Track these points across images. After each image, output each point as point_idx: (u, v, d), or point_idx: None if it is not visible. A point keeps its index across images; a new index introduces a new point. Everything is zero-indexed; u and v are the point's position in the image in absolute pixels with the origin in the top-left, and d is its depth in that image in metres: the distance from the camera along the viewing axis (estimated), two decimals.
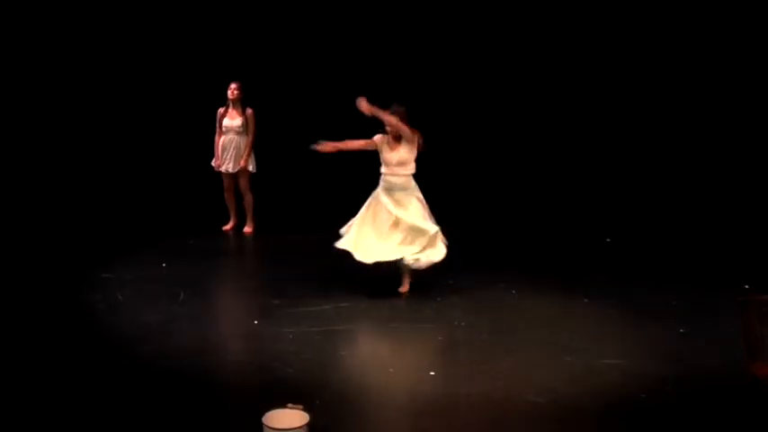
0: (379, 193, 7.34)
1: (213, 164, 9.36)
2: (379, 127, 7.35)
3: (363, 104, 7.06)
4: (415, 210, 7.28)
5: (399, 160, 7.24)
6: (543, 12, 10.39)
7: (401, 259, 7.23)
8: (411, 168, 7.31)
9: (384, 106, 7.21)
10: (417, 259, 7.19)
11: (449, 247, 7.26)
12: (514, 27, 10.46)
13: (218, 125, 9.25)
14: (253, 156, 9.26)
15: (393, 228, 7.23)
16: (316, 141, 7.30)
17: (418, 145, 7.25)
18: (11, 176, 10.20)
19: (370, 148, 7.36)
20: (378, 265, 7.28)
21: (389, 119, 7.13)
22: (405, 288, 7.48)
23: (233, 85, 9.12)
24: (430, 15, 10.49)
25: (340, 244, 7.32)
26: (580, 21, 10.30)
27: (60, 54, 10.64)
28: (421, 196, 7.35)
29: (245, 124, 9.16)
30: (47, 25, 10.54)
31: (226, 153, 9.24)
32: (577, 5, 10.29)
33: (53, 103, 10.68)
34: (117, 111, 10.88)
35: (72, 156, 10.63)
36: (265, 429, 4.57)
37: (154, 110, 10.78)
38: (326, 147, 7.33)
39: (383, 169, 7.33)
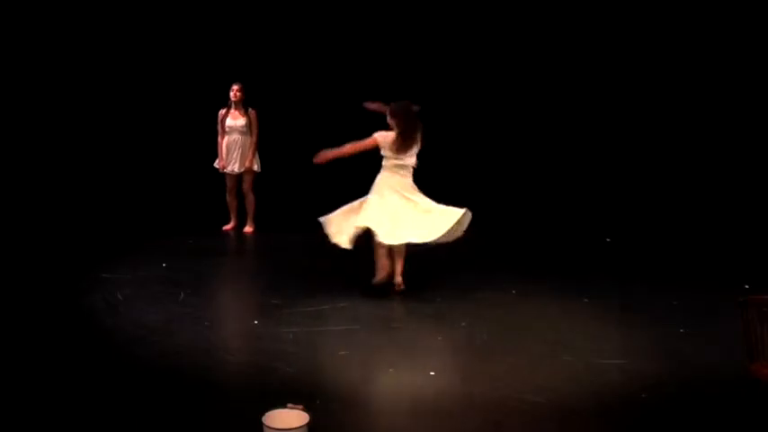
0: (383, 190, 7.31)
1: (217, 165, 9.37)
2: (379, 126, 7.39)
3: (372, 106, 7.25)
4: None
5: (412, 155, 7.28)
6: (544, 12, 10.39)
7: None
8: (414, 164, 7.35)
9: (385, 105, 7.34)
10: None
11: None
12: (515, 27, 10.46)
13: (219, 126, 9.26)
14: (257, 156, 9.27)
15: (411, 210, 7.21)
16: (315, 154, 7.33)
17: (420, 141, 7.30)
18: (11, 176, 10.21)
19: (369, 148, 7.31)
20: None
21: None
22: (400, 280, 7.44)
23: (235, 87, 9.12)
24: (431, 16, 10.49)
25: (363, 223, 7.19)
26: (580, 21, 10.31)
27: (61, 54, 10.65)
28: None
29: (249, 124, 9.16)
30: (47, 25, 10.55)
31: (231, 154, 9.25)
32: (577, 5, 10.29)
33: (54, 103, 10.69)
34: (118, 111, 10.88)
35: (73, 156, 10.64)
36: (265, 429, 4.57)
37: (154, 110, 10.78)
38: (326, 156, 7.29)
39: (392, 163, 7.27)
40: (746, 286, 7.24)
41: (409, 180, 7.34)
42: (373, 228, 7.12)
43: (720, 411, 5.22)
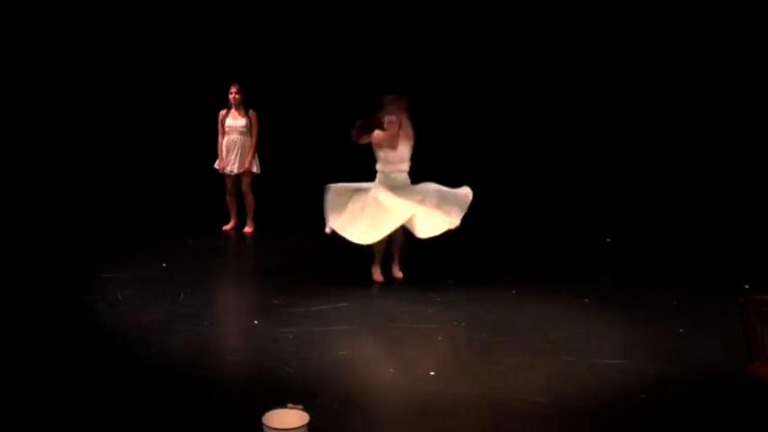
0: (377, 191, 7.45)
1: (217, 165, 9.36)
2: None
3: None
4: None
5: (402, 156, 7.47)
6: (543, 12, 10.38)
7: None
8: (408, 165, 7.56)
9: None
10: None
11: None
12: (514, 27, 10.45)
13: (220, 127, 9.26)
14: (257, 157, 9.27)
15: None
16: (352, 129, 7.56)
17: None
18: (11, 176, 10.20)
19: (395, 133, 7.50)
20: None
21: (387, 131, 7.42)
22: (399, 273, 7.68)
23: (233, 89, 9.12)
24: (430, 16, 10.48)
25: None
26: (580, 21, 10.29)
27: (60, 54, 10.64)
28: None
29: (249, 125, 9.16)
30: (47, 25, 10.54)
31: (230, 154, 9.24)
32: (577, 5, 10.28)
33: (53, 103, 10.68)
34: (118, 111, 10.87)
35: (72, 156, 10.63)
36: (265, 429, 4.57)
37: (154, 110, 10.77)
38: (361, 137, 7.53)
39: (385, 168, 7.47)
40: (746, 286, 7.23)
41: (406, 179, 7.56)
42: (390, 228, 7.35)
43: (720, 411, 5.22)
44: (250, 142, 9.19)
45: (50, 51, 10.61)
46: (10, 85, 10.44)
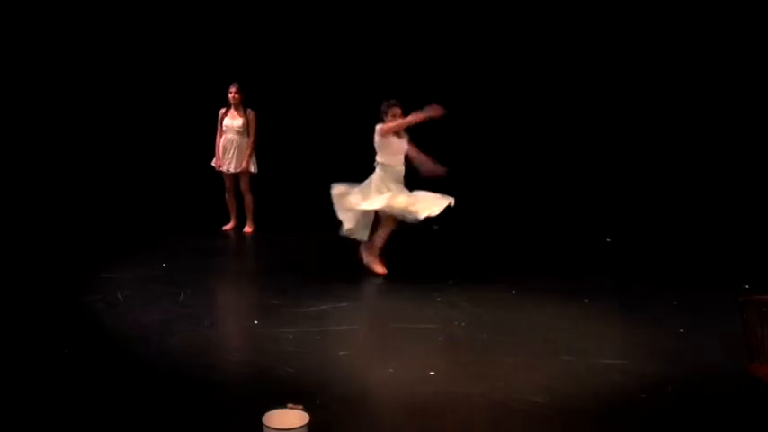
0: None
1: (213, 164, 9.37)
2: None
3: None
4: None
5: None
6: (543, 11, 10.39)
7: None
8: None
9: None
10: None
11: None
12: (514, 26, 10.45)
13: (218, 125, 9.27)
14: (254, 157, 9.27)
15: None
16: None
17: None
18: (11, 176, 10.21)
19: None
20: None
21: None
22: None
23: (232, 89, 9.12)
24: (429, 15, 10.48)
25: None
26: (580, 20, 10.30)
27: (60, 54, 10.65)
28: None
29: (246, 125, 9.16)
30: (47, 25, 10.55)
31: (226, 153, 9.25)
32: (577, 5, 10.29)
33: (53, 103, 10.69)
34: (117, 111, 10.88)
35: (72, 156, 10.64)
36: (265, 429, 4.57)
37: (154, 110, 10.78)
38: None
39: (392, 160, 7.59)
40: (746, 286, 7.24)
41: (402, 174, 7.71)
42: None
43: (720, 411, 5.22)
44: (247, 142, 9.20)
45: (50, 51, 10.62)
46: (10, 85, 10.45)
